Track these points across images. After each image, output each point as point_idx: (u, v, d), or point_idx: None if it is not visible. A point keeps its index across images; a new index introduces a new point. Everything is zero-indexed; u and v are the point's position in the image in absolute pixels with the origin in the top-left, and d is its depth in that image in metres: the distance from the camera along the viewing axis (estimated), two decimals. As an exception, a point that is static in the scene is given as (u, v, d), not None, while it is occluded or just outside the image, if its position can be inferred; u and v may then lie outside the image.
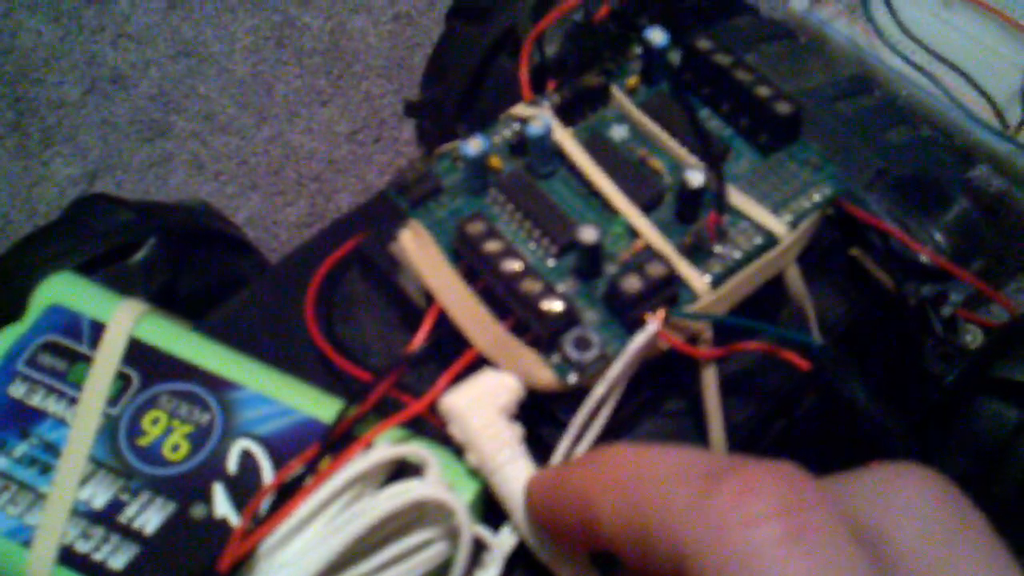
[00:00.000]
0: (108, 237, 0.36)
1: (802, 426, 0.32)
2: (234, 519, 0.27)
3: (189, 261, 0.37)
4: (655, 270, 0.27)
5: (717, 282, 0.28)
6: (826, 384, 0.27)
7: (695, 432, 0.29)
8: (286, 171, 0.56)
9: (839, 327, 0.32)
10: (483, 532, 0.25)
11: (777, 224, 0.28)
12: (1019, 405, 0.31)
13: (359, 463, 0.25)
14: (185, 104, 0.58)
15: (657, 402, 0.29)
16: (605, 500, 0.20)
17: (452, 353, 0.28)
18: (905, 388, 0.32)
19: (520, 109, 0.32)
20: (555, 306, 0.26)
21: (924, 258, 0.31)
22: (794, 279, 0.29)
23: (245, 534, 0.25)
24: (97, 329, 0.30)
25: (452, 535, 0.25)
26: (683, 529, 0.18)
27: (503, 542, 0.26)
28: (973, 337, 0.35)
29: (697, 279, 0.27)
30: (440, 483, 0.25)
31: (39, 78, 0.58)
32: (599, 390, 0.26)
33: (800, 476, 0.18)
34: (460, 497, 0.25)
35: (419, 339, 0.28)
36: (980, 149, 0.37)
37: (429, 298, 0.29)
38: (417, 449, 0.26)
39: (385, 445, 0.26)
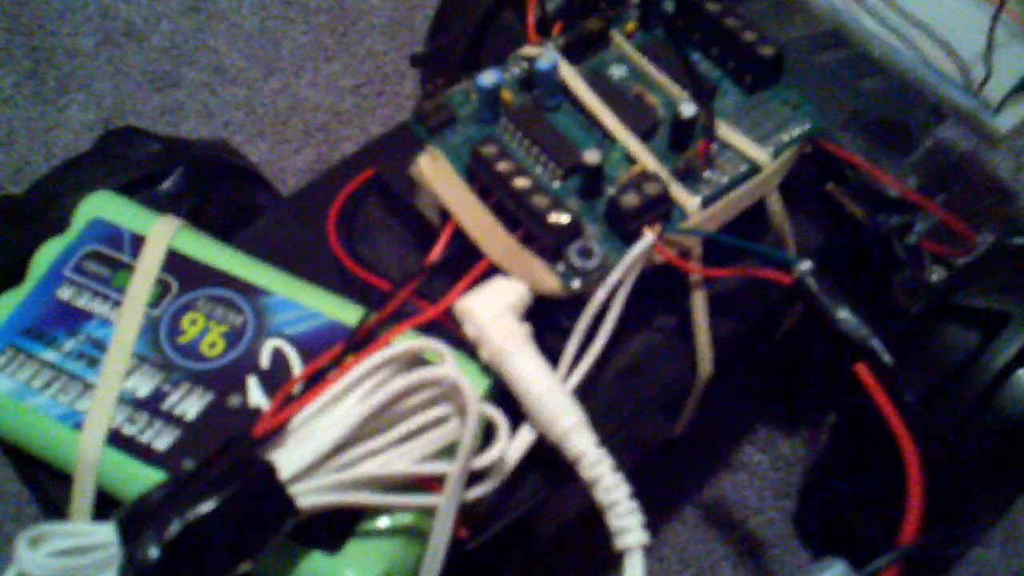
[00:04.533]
0: (138, 166, 0.38)
1: (783, 343, 0.35)
2: (267, 407, 0.29)
3: (212, 192, 0.39)
4: (651, 188, 0.30)
5: (706, 203, 0.31)
6: (809, 301, 0.30)
7: (683, 346, 0.32)
8: (293, 121, 0.59)
9: (814, 257, 0.35)
10: (494, 413, 0.28)
11: (760, 153, 0.31)
12: (978, 330, 0.34)
13: (380, 353, 0.28)
14: (195, 56, 0.61)
15: (649, 317, 0.32)
16: None
17: (465, 267, 0.31)
18: (874, 318, 0.35)
19: (528, 49, 0.35)
20: (562, 218, 0.29)
21: (892, 191, 0.34)
22: (775, 205, 0.32)
23: (277, 410, 0.27)
24: (137, 241, 0.33)
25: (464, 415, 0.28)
26: None
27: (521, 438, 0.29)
28: (938, 275, 0.38)
29: (688, 200, 0.30)
30: (452, 367, 0.28)
31: (54, 29, 0.61)
32: (600, 294, 0.29)
33: None
34: (472, 386, 0.28)
35: (436, 251, 0.31)
36: (947, 104, 0.40)
37: (444, 217, 0.32)
38: (433, 343, 0.28)
39: (404, 341, 0.29)
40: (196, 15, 0.62)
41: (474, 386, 0.29)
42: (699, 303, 0.31)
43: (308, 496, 0.26)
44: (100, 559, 0.24)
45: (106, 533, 0.25)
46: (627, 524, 0.27)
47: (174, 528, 0.24)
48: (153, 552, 0.23)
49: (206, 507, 0.24)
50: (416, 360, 0.29)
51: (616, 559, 0.27)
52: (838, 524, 0.38)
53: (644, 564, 0.27)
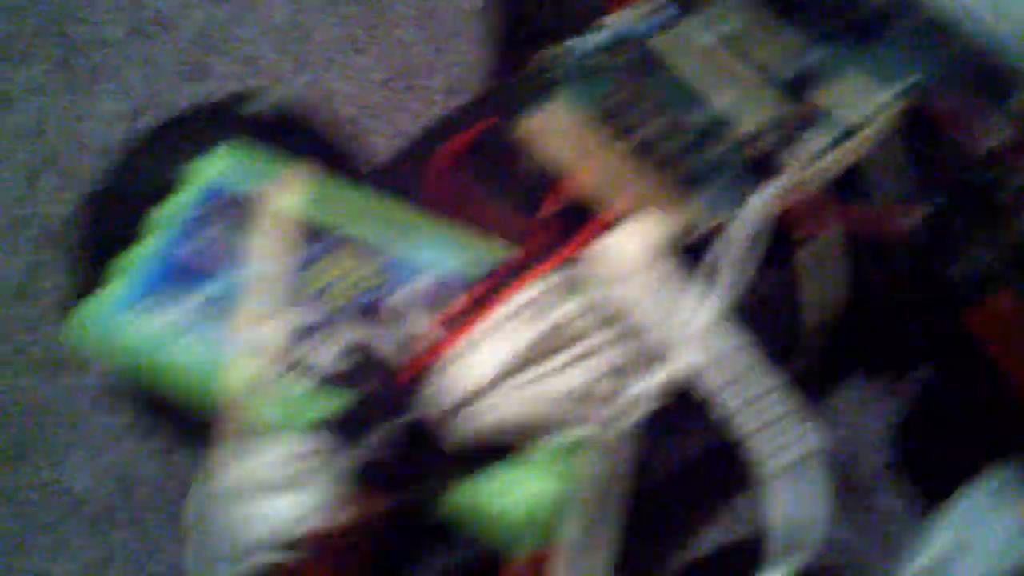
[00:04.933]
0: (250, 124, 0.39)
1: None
2: (422, 339, 0.30)
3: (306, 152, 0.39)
4: (767, 139, 0.31)
5: (818, 155, 0.32)
6: (927, 246, 0.31)
7: (798, 292, 0.34)
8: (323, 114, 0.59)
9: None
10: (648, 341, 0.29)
11: (867, 106, 0.33)
12: None
13: (533, 286, 0.29)
14: (225, 47, 0.61)
15: (766, 265, 0.33)
16: None
17: (583, 220, 0.32)
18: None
19: (618, 16, 0.36)
20: (688, 166, 0.31)
21: (990, 143, 0.35)
22: (879, 157, 0.33)
23: (434, 344, 0.28)
24: (261, 193, 0.33)
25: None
26: None
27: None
28: None
29: (803, 151, 0.32)
30: (607, 295, 0.29)
31: (84, 18, 0.61)
32: (725, 239, 0.31)
33: None
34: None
35: (555, 201, 0.32)
36: (1019, 74, 0.40)
37: (563, 171, 0.33)
38: (579, 272, 0.29)
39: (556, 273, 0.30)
40: (227, 5, 0.62)
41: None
42: (815, 250, 0.32)
43: (477, 419, 0.27)
44: (306, 467, 0.25)
45: (305, 443, 0.25)
46: (788, 439, 0.28)
47: (372, 442, 0.25)
48: (359, 460, 0.24)
49: (383, 431, 0.25)
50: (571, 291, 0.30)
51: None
52: (943, 467, 0.39)
53: (820, 469, 0.28)
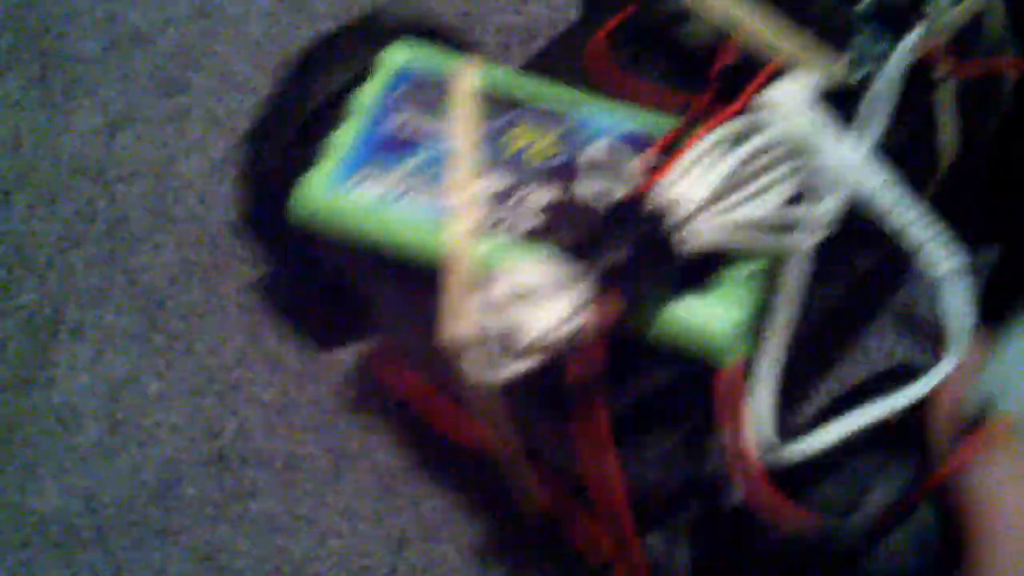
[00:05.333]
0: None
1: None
2: (616, 190, 0.31)
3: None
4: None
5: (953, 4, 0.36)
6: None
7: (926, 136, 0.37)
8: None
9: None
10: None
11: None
12: None
13: (718, 130, 0.31)
14: (202, 62, 0.61)
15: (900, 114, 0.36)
16: None
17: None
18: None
19: None
20: (845, 18, 0.34)
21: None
22: (997, 12, 0.37)
23: (648, 173, 0.30)
24: (446, 79, 0.35)
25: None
26: None
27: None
28: None
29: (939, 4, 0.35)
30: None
31: (62, 33, 0.60)
32: (879, 84, 0.34)
33: None
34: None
35: (725, 60, 0.34)
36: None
37: (721, 37, 0.35)
38: (754, 116, 0.32)
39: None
40: (203, 21, 0.62)
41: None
42: (946, 95, 0.36)
43: (686, 243, 0.29)
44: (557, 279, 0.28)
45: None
46: (941, 254, 0.31)
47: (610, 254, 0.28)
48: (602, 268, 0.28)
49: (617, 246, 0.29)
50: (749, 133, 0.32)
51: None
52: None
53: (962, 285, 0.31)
